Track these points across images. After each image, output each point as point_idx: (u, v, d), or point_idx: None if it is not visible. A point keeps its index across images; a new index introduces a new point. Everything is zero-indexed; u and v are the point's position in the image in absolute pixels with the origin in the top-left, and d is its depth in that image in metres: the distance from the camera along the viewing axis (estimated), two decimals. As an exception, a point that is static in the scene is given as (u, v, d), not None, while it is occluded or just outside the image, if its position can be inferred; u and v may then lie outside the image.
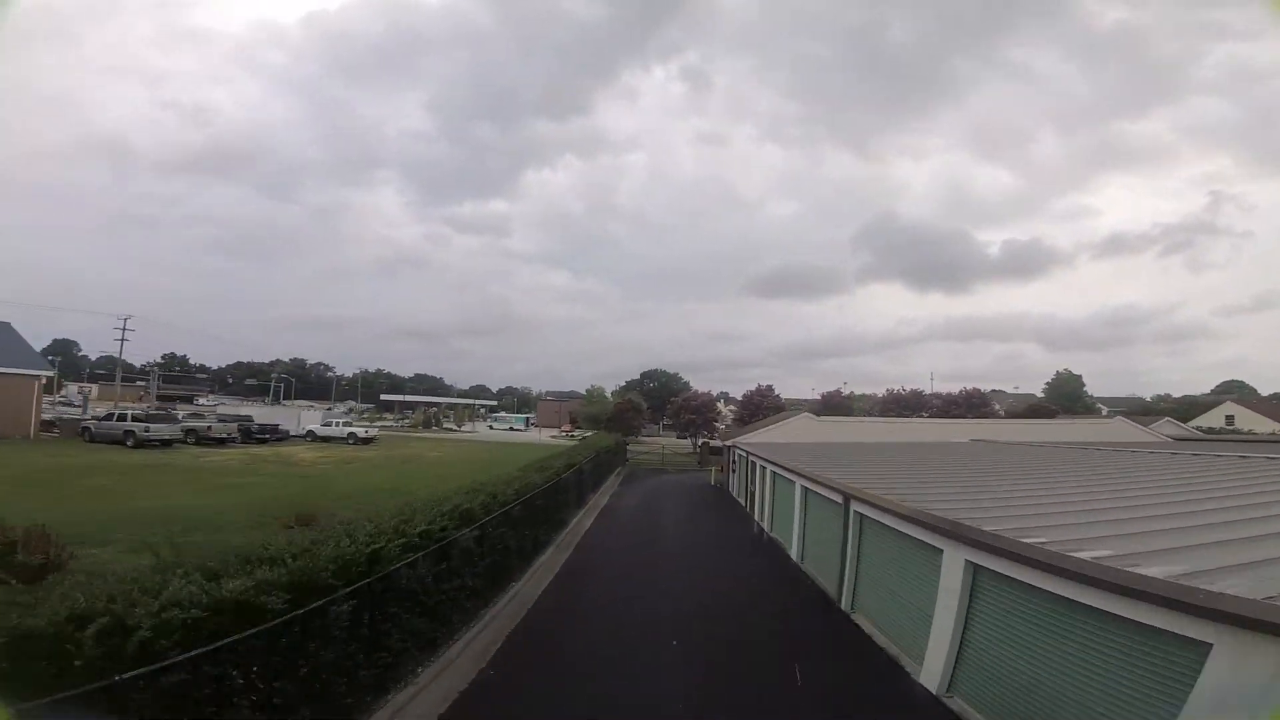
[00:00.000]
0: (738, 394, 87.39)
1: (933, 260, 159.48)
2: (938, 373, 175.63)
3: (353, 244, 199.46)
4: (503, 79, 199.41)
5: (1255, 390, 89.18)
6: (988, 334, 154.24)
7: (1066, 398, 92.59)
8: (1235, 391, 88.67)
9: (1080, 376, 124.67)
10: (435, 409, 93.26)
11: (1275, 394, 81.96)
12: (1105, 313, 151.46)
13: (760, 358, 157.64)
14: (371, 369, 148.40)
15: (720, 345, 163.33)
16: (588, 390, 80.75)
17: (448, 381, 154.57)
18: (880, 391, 67.51)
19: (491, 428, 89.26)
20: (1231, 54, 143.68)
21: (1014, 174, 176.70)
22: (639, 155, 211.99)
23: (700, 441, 55.28)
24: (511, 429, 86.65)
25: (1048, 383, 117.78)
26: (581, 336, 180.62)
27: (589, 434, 60.30)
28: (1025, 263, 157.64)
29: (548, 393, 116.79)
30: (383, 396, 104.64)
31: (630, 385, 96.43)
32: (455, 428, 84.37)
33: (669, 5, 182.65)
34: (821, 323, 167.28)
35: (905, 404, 62.79)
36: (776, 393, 60.53)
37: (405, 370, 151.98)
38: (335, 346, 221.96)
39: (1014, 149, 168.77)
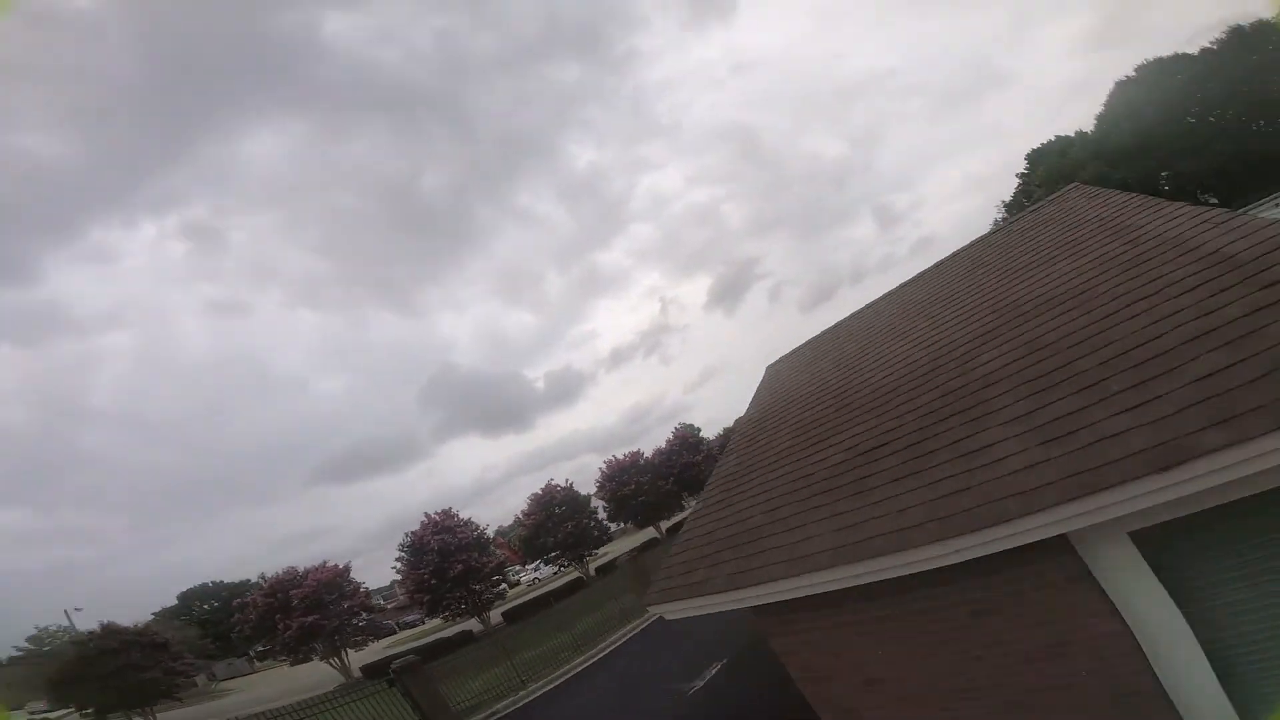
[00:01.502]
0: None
1: (496, 404, 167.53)
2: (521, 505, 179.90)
3: None
4: None
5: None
6: (557, 457, 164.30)
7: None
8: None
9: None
10: None
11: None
12: (626, 413, 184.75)
13: (355, 545, 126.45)
14: None
15: (299, 547, 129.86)
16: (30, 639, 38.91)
17: None
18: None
19: None
20: (650, 184, 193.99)
21: (537, 313, 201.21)
22: (123, 335, 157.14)
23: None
24: None
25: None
26: (72, 588, 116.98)
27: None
28: (565, 388, 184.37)
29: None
30: None
31: (166, 614, 54.37)
32: None
33: (166, 148, 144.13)
34: (413, 490, 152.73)
35: (631, 469, 45.29)
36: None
37: None
38: None
39: (531, 289, 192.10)
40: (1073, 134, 50.29)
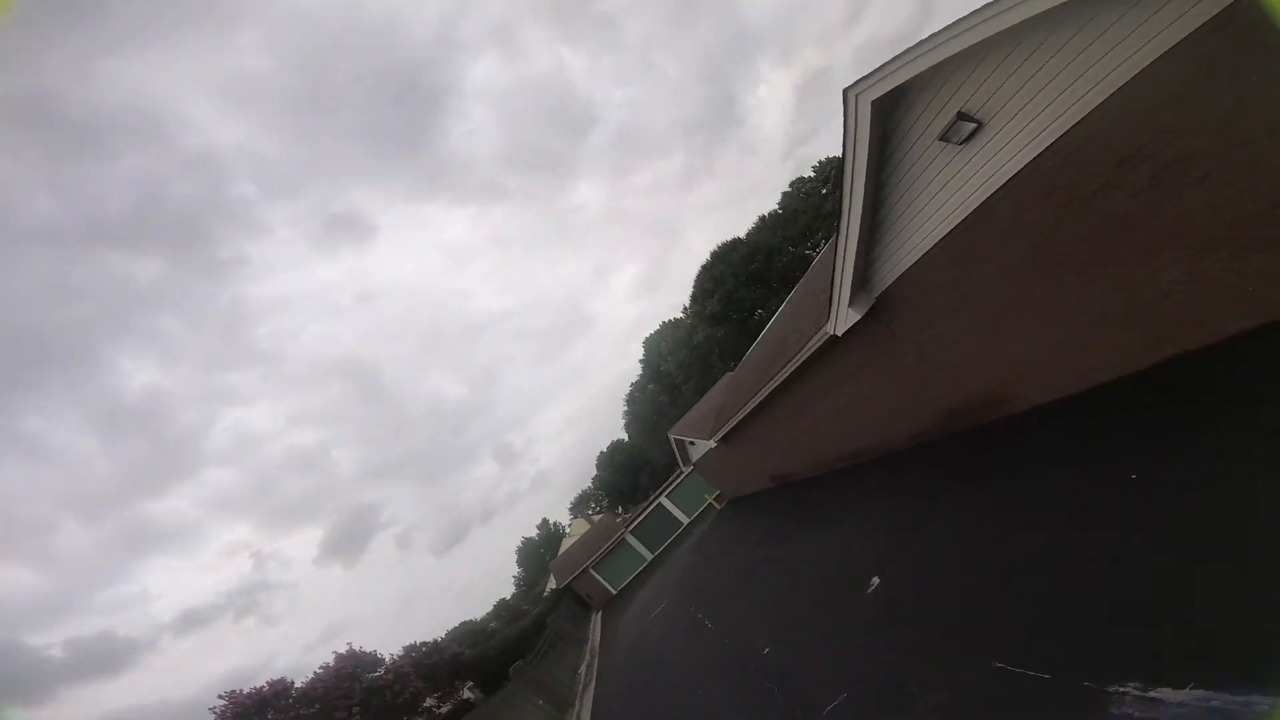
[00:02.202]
0: None
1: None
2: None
3: None
4: None
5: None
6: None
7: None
8: None
9: None
10: None
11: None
12: (220, 679, 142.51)
13: None
14: None
15: None
16: None
17: None
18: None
19: None
20: (236, 419, 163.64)
21: (42, 571, 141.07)
22: None
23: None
24: None
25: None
26: None
27: None
28: (104, 657, 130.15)
29: None
30: None
31: None
32: None
33: None
34: None
35: (277, 702, 27.52)
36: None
37: None
38: None
39: (32, 541, 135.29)
40: (675, 317, 61.91)
